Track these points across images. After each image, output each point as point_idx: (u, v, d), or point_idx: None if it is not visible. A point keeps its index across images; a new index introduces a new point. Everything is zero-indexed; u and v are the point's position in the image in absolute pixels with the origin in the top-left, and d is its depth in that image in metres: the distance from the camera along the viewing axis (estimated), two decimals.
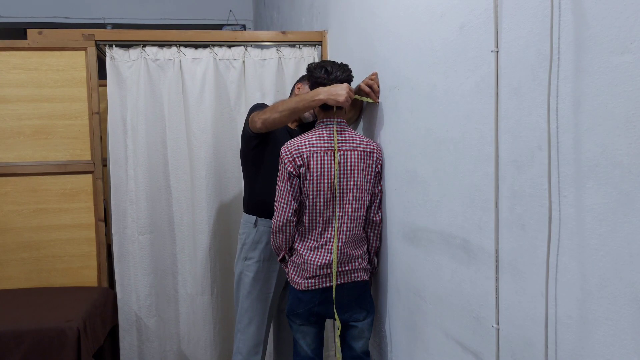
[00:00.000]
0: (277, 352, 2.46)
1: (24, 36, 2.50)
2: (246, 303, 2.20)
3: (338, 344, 1.91)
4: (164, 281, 2.62)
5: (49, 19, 5.16)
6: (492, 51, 1.18)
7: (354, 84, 1.96)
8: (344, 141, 1.85)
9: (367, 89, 1.93)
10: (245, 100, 2.64)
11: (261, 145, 2.12)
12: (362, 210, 1.88)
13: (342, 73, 1.88)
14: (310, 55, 2.68)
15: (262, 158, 2.14)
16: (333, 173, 1.83)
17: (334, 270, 1.84)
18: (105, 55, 2.52)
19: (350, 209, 1.85)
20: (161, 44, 2.55)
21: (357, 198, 1.86)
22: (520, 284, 1.13)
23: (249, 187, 2.24)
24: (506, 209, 1.17)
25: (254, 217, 2.19)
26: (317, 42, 2.68)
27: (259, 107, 2.14)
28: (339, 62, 1.94)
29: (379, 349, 2.08)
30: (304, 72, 2.33)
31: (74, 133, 2.53)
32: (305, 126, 2.25)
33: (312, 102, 1.87)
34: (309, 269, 1.85)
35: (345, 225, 1.85)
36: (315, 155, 1.82)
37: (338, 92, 1.82)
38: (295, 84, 2.26)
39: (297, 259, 1.89)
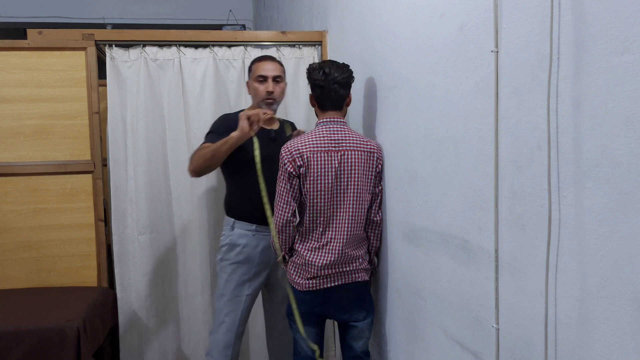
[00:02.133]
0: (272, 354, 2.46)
1: (24, 36, 2.50)
2: (218, 305, 2.21)
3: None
4: (163, 281, 2.62)
5: (49, 18, 5.16)
6: (492, 51, 1.18)
7: (354, 84, 1.96)
8: (344, 141, 1.85)
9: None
10: (245, 100, 2.64)
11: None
12: (362, 210, 1.88)
13: (340, 74, 1.87)
14: (310, 55, 2.68)
15: (234, 163, 2.14)
16: (333, 173, 1.83)
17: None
18: (105, 55, 2.52)
19: (350, 209, 1.85)
20: (161, 44, 2.56)
21: (358, 198, 1.86)
22: (520, 284, 1.13)
23: (227, 190, 2.27)
24: (506, 209, 1.17)
25: (232, 220, 2.20)
26: (317, 42, 2.68)
27: (207, 135, 2.18)
28: (340, 63, 1.93)
29: (379, 349, 2.08)
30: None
31: (74, 133, 2.53)
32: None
33: (226, 144, 2.01)
34: (309, 269, 1.85)
35: (345, 225, 1.85)
36: (315, 155, 1.82)
37: (241, 124, 1.99)
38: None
39: (298, 259, 1.89)
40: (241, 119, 1.99)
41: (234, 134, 2.00)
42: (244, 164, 2.09)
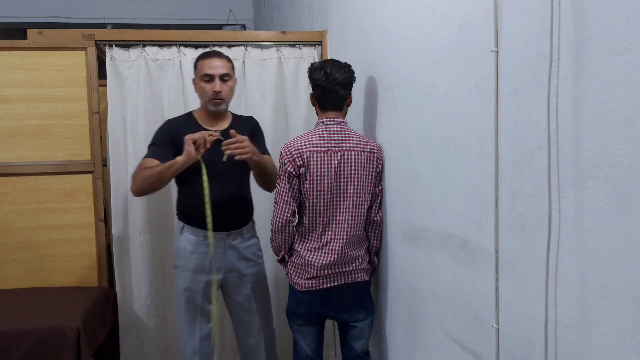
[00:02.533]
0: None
1: (24, 36, 2.50)
2: (178, 312, 2.14)
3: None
4: (164, 281, 2.62)
5: (49, 18, 5.16)
6: (492, 51, 1.18)
7: (355, 84, 1.96)
8: (344, 141, 1.85)
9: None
10: (245, 100, 2.64)
11: (175, 156, 1.98)
12: (362, 210, 1.88)
13: (341, 75, 1.86)
14: (310, 55, 2.68)
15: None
16: (333, 173, 1.83)
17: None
18: (105, 55, 2.52)
19: (350, 210, 1.85)
20: (161, 44, 2.55)
21: (358, 198, 1.86)
22: (520, 284, 1.13)
23: (178, 192, 2.21)
24: (506, 209, 1.17)
25: (182, 224, 2.13)
26: (317, 42, 2.68)
27: (149, 147, 2.09)
28: (342, 62, 1.91)
29: (379, 349, 2.08)
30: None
31: (74, 133, 2.53)
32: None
33: (172, 168, 1.91)
34: (309, 269, 1.85)
35: (345, 225, 1.85)
36: (315, 155, 1.82)
37: (186, 149, 1.86)
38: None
39: (298, 259, 1.89)
40: (186, 143, 1.86)
41: (180, 158, 1.89)
42: (191, 170, 1.96)
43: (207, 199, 1.91)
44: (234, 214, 2.13)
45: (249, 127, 2.20)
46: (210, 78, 2.05)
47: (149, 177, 1.95)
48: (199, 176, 1.92)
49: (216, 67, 2.05)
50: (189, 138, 1.87)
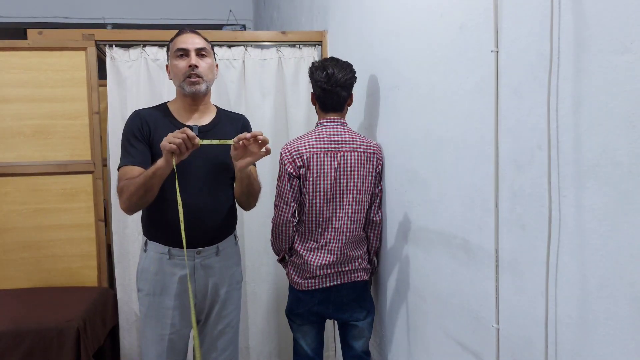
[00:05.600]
0: None
1: (24, 36, 2.50)
2: (142, 344, 1.82)
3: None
4: None
5: (49, 19, 5.17)
6: (492, 51, 1.18)
7: (356, 84, 1.95)
8: (344, 142, 1.85)
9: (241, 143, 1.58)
10: (245, 100, 2.64)
11: (151, 151, 1.77)
12: (362, 211, 1.88)
13: (343, 76, 1.85)
14: (310, 55, 2.68)
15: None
16: (332, 174, 1.83)
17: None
18: (105, 55, 2.53)
19: (350, 210, 1.85)
20: (161, 44, 2.55)
21: (357, 199, 1.86)
22: (520, 284, 1.13)
23: None
24: (506, 209, 1.17)
25: (145, 239, 1.82)
26: (317, 42, 2.68)
27: (122, 153, 1.77)
28: (343, 62, 1.90)
29: (379, 348, 2.08)
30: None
31: (74, 133, 2.53)
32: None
33: (156, 175, 1.58)
34: (309, 269, 1.85)
35: (345, 226, 1.85)
36: (315, 156, 1.82)
37: (164, 145, 1.51)
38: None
39: (297, 259, 1.89)
40: (163, 150, 1.53)
41: (161, 163, 1.56)
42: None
43: (180, 208, 1.54)
44: (207, 227, 1.78)
45: (237, 127, 1.88)
46: (184, 52, 1.75)
47: (135, 192, 1.62)
48: (166, 182, 1.62)
49: (192, 41, 1.76)
50: (165, 142, 1.51)
